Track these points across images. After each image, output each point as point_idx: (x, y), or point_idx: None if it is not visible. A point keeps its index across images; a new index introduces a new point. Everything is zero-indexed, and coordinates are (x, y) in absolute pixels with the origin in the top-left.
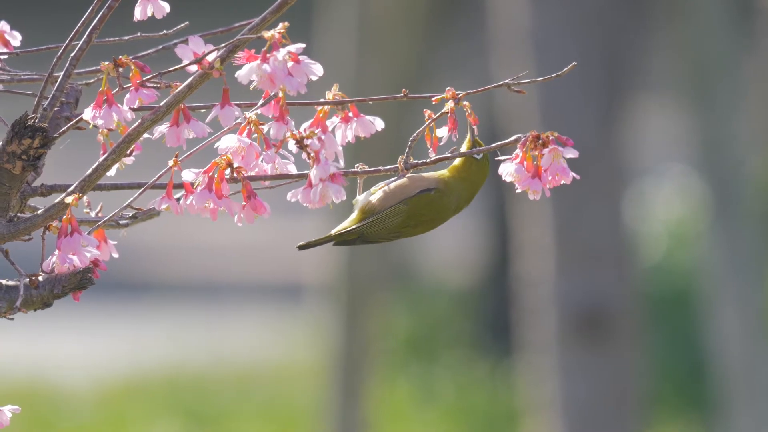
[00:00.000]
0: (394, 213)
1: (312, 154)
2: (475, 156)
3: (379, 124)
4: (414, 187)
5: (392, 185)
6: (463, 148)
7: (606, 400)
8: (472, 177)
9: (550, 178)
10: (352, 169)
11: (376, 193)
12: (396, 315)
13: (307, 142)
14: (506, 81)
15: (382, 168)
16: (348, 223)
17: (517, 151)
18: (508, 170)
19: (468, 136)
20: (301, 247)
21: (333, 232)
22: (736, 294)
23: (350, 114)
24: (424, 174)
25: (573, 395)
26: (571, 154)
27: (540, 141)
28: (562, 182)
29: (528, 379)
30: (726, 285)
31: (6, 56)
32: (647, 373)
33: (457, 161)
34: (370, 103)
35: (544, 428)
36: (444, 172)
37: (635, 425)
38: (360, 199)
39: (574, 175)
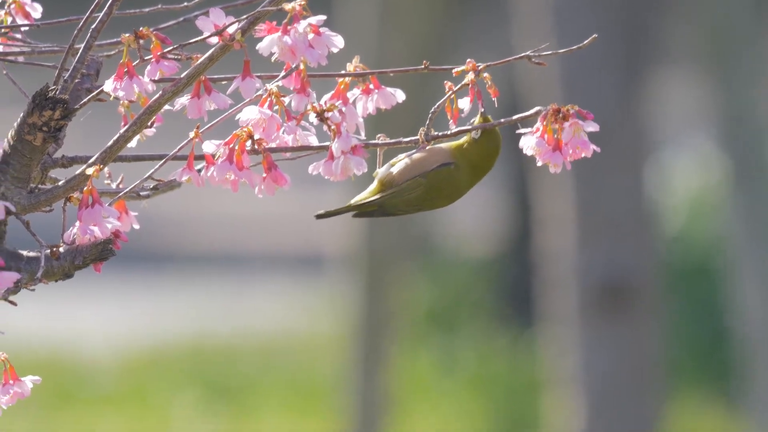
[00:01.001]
0: (413, 186)
1: (333, 127)
2: (473, 136)
3: (400, 95)
4: (433, 161)
5: (412, 158)
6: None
7: (627, 372)
8: (475, 160)
9: (570, 151)
10: (373, 141)
11: (396, 165)
12: (417, 286)
13: (328, 114)
14: (527, 53)
15: (403, 140)
16: (367, 194)
17: (538, 124)
18: (529, 143)
19: (479, 116)
20: (318, 216)
21: (352, 202)
22: (757, 264)
23: (371, 86)
24: (443, 145)
25: (594, 366)
26: (592, 127)
27: (560, 114)
28: (583, 155)
29: (549, 350)
30: (746, 255)
31: (27, 28)
32: (668, 344)
33: (463, 139)
34: (391, 75)
35: (565, 399)
36: (460, 143)
37: (656, 396)
38: (380, 171)
39: (595, 147)
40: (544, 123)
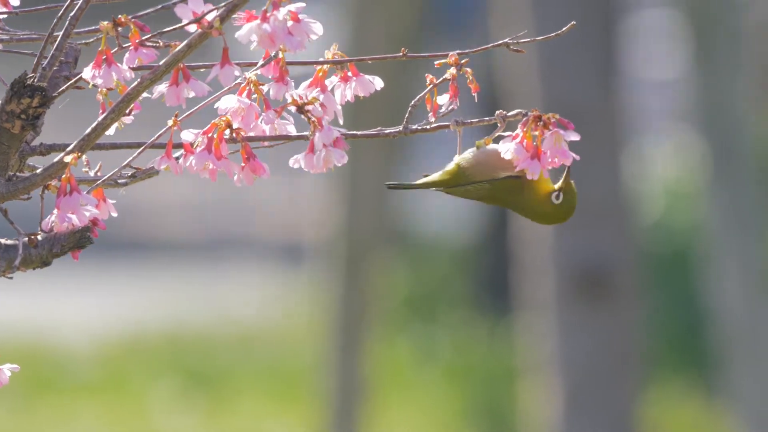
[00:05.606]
0: (478, 188)
1: (314, 120)
2: (554, 200)
3: (378, 83)
4: (502, 169)
5: (489, 155)
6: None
7: (605, 359)
8: (548, 210)
9: (549, 159)
10: (352, 132)
11: (474, 156)
12: (395, 274)
13: (309, 107)
14: (505, 40)
15: (384, 130)
16: (440, 176)
17: (518, 130)
18: (507, 148)
19: (563, 179)
20: (390, 186)
21: (423, 181)
22: (737, 252)
23: (349, 73)
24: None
25: (572, 354)
26: (573, 137)
27: (541, 122)
28: (561, 164)
29: (527, 338)
30: (726, 243)
31: (5, 16)
32: (647, 331)
33: (542, 192)
34: (369, 62)
35: (543, 387)
36: (549, 188)
37: (634, 384)
38: (464, 154)
39: (575, 156)
40: (525, 129)
